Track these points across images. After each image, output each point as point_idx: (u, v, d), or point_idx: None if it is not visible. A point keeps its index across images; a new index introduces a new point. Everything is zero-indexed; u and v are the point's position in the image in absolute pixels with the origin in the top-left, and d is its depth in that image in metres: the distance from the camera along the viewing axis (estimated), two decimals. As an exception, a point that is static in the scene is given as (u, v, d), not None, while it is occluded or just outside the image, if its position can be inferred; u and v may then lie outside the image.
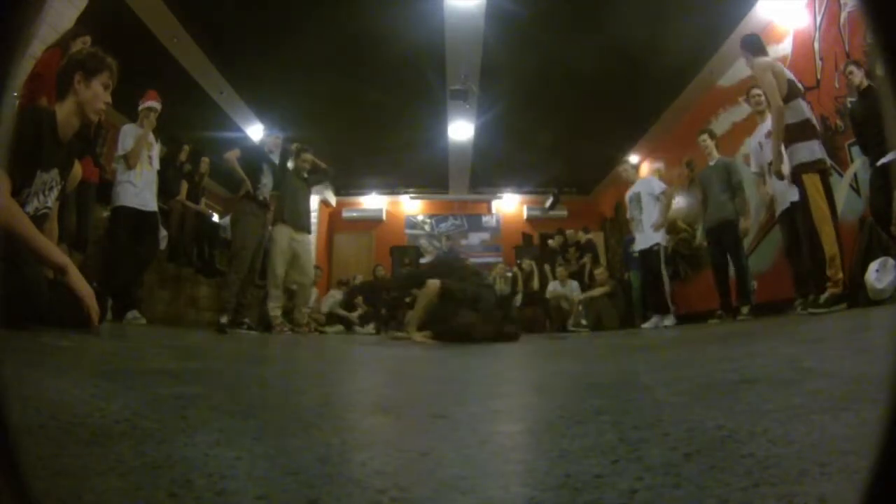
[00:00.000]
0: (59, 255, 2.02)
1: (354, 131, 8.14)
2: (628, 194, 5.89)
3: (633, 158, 8.96)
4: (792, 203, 3.84)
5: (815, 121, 3.75)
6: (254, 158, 4.91)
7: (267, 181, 4.90)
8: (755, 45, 3.91)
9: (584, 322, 6.97)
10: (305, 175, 5.45)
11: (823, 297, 3.44)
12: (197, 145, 6.27)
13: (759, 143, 4.33)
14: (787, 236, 4.13)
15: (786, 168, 3.76)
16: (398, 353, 2.76)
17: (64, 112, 2.15)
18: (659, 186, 5.69)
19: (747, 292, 4.65)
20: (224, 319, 4.53)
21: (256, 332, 4.63)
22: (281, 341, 3.89)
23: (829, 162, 3.70)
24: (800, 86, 3.79)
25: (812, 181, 3.52)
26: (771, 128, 3.79)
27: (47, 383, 0.94)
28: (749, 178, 4.79)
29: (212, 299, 6.07)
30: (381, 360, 2.36)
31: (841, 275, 3.42)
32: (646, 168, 8.64)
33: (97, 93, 2.21)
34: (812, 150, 3.58)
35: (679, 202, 7.51)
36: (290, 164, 5.42)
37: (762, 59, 3.80)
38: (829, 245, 3.42)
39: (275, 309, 5.00)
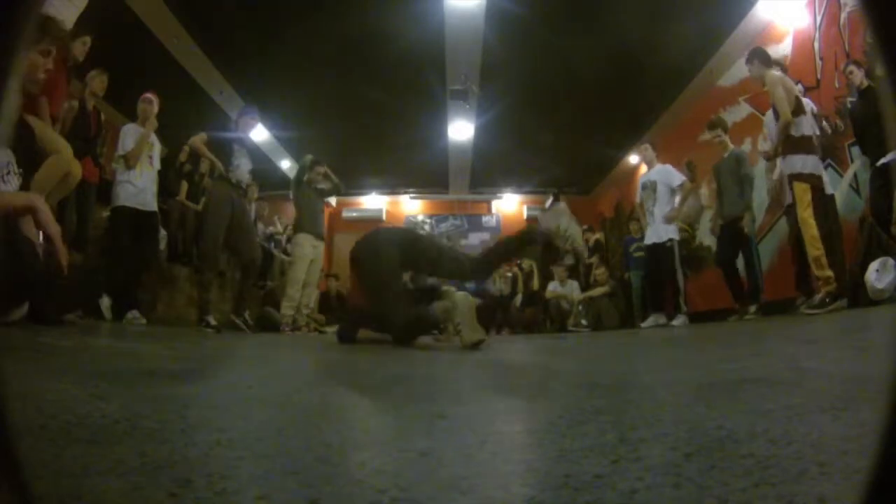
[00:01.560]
0: (23, 196, 1.96)
1: (354, 131, 8.14)
2: (642, 179, 5.52)
3: (633, 159, 8.96)
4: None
5: (815, 137, 3.88)
6: (224, 140, 4.70)
7: (240, 162, 4.65)
8: (765, 57, 4.07)
9: (584, 322, 6.95)
10: (318, 186, 5.54)
11: (818, 297, 3.48)
12: (208, 135, 6.24)
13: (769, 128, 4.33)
14: (791, 233, 4.17)
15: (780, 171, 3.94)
16: (397, 353, 2.76)
17: None
18: (678, 178, 5.28)
19: (757, 291, 4.56)
20: (211, 319, 4.30)
21: (253, 331, 4.59)
22: (281, 342, 3.89)
23: (820, 176, 3.83)
24: (804, 104, 3.92)
25: (801, 189, 3.67)
26: (776, 136, 3.90)
27: (47, 383, 0.94)
28: (759, 171, 4.74)
29: (217, 298, 6.06)
30: (383, 360, 2.36)
31: (829, 272, 3.50)
32: (645, 167, 8.62)
33: (34, 63, 2.02)
34: (807, 162, 3.74)
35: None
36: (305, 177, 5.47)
37: (775, 73, 3.93)
38: (813, 247, 3.55)
39: (288, 308, 5.07)
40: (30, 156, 2.13)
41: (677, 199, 5.24)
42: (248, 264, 4.69)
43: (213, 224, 4.43)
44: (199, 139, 4.60)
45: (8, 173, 1.99)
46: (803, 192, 3.67)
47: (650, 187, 5.31)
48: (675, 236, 5.20)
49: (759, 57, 4.08)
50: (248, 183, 4.84)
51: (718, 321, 4.80)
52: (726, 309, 4.88)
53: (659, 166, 5.46)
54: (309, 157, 5.53)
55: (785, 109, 3.76)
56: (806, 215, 3.63)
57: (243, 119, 4.95)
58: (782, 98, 3.79)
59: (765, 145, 4.44)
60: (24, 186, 2.08)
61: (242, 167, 4.66)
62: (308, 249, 5.24)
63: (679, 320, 4.99)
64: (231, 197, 4.51)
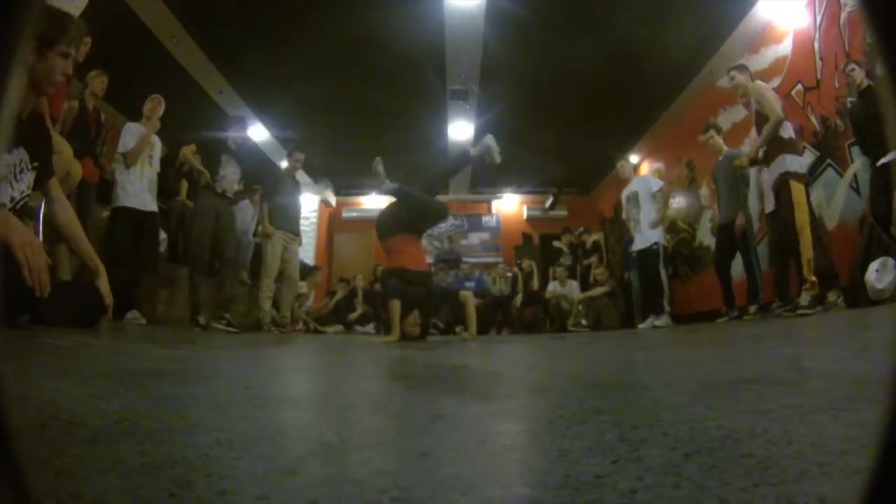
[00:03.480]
0: (97, 261, 2.14)
1: (354, 131, 8.14)
2: (624, 193, 5.79)
3: (634, 158, 8.96)
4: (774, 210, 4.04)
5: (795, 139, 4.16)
6: (212, 151, 4.91)
7: (226, 172, 4.86)
8: (750, 72, 4.38)
9: (584, 322, 6.95)
10: (296, 174, 5.70)
11: (807, 299, 3.54)
12: (197, 145, 6.27)
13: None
14: (773, 238, 4.23)
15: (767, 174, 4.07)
16: (395, 352, 2.76)
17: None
18: (656, 184, 5.60)
19: (756, 291, 4.57)
20: (201, 318, 4.49)
21: (237, 330, 4.60)
22: (278, 341, 3.89)
23: (808, 178, 4.09)
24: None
25: (798, 189, 3.77)
26: (764, 137, 4.00)
27: (47, 383, 0.94)
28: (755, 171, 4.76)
29: (212, 299, 6.08)
30: (380, 358, 2.36)
31: (814, 277, 3.63)
32: (646, 167, 8.62)
33: (53, 65, 1.95)
34: (800, 163, 3.95)
35: (679, 202, 7.49)
36: (282, 165, 5.57)
37: (760, 82, 4.25)
38: (807, 249, 3.64)
39: (265, 301, 5.11)
40: (44, 151, 2.11)
41: (658, 204, 5.48)
42: (230, 268, 4.93)
43: (197, 233, 4.71)
44: (188, 150, 4.83)
45: (21, 171, 1.97)
46: (800, 193, 3.77)
47: (633, 198, 5.59)
48: (661, 240, 5.44)
49: (749, 71, 4.38)
50: (235, 191, 5.03)
51: (719, 322, 4.82)
52: (722, 309, 4.93)
53: (636, 178, 5.89)
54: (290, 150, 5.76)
55: (777, 110, 3.93)
56: (805, 217, 3.72)
57: (232, 130, 5.14)
58: (772, 101, 3.98)
59: (744, 149, 4.61)
60: (39, 180, 2.07)
61: (229, 177, 4.88)
62: (279, 246, 5.27)
63: (661, 320, 5.12)
64: (215, 207, 4.75)
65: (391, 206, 4.24)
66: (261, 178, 5.93)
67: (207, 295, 4.82)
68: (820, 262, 3.77)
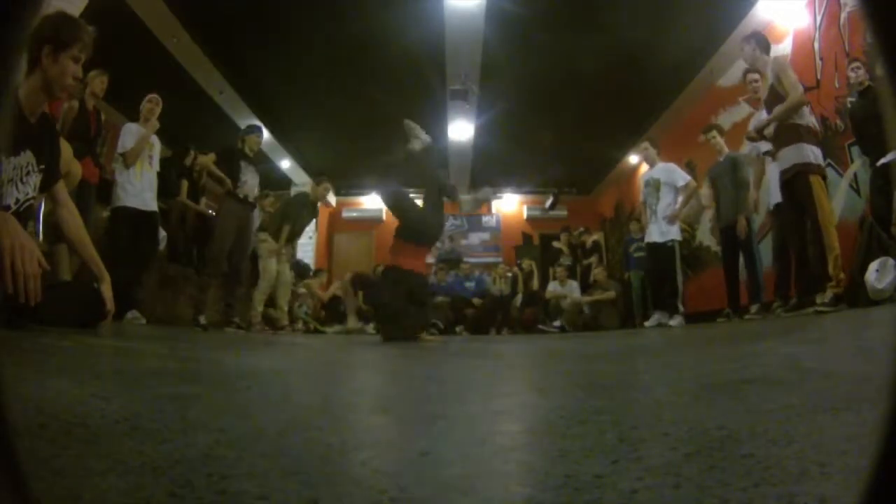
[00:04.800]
0: (101, 266, 2.18)
1: (354, 131, 8.15)
2: (644, 176, 5.45)
3: (633, 159, 8.97)
4: (782, 200, 3.88)
5: (815, 127, 3.81)
6: (231, 158, 4.98)
7: (247, 178, 4.93)
8: (764, 43, 3.92)
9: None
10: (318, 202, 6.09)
11: (828, 297, 3.44)
12: (198, 146, 6.28)
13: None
14: (778, 234, 4.15)
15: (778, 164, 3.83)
16: (391, 351, 2.76)
17: (28, 88, 1.92)
18: (683, 177, 5.21)
19: (758, 291, 4.50)
20: (202, 319, 4.53)
21: (245, 331, 4.64)
22: (277, 341, 3.89)
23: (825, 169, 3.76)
24: None
25: (818, 182, 3.54)
26: (780, 115, 3.63)
27: (47, 383, 0.94)
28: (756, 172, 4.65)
29: (212, 299, 6.10)
30: (379, 358, 2.36)
31: (843, 275, 3.45)
32: (645, 167, 8.61)
33: (65, 69, 1.95)
34: (816, 154, 3.62)
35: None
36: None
37: (780, 56, 3.92)
38: (835, 246, 3.45)
39: (260, 303, 5.34)
40: (52, 154, 2.10)
41: (680, 198, 5.18)
42: (235, 270, 5.00)
43: (220, 237, 4.80)
44: (209, 159, 4.96)
45: (28, 174, 1.96)
46: (821, 187, 3.53)
47: (653, 184, 5.25)
48: (678, 237, 5.17)
49: (759, 41, 3.90)
50: (255, 196, 5.16)
51: (719, 321, 4.83)
52: (723, 309, 4.92)
53: (662, 164, 5.40)
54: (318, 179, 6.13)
55: (800, 90, 3.59)
56: (827, 214, 3.49)
57: (249, 137, 5.20)
58: (794, 79, 3.60)
59: (755, 123, 4.17)
60: (45, 183, 2.06)
61: (250, 183, 4.98)
62: (273, 258, 5.61)
63: (676, 321, 4.98)
64: (237, 212, 4.85)
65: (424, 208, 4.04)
66: (291, 201, 6.12)
67: (213, 296, 4.85)
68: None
